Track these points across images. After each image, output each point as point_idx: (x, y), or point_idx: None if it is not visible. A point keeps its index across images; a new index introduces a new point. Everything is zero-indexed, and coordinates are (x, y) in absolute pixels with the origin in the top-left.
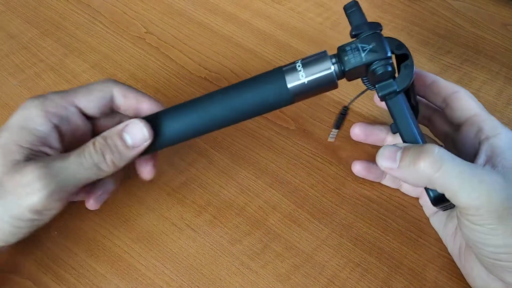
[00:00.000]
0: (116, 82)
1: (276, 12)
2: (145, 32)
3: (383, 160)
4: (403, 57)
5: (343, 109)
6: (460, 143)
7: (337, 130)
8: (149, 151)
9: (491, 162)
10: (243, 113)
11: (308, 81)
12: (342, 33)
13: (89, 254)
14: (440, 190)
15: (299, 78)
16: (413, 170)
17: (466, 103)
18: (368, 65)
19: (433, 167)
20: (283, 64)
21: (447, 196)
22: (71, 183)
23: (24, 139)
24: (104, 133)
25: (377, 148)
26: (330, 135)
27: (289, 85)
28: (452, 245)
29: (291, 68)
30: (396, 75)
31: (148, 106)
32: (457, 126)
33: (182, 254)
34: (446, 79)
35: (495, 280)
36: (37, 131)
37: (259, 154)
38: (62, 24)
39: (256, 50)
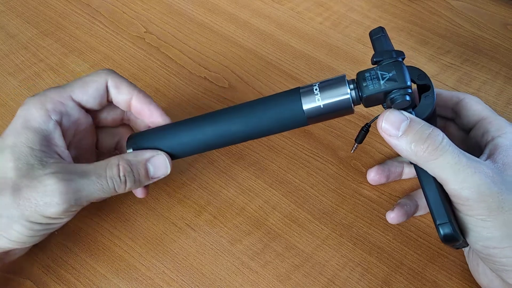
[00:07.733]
0: (110, 72)
1: (276, 12)
2: (144, 32)
3: (386, 124)
4: (425, 87)
5: (366, 126)
6: (471, 148)
7: (358, 144)
8: None
9: (492, 158)
10: (256, 131)
11: (324, 105)
12: (342, 33)
13: (89, 254)
14: (431, 174)
15: (315, 101)
16: (413, 148)
17: (472, 109)
18: (386, 93)
19: (433, 155)
20: (283, 63)
21: (439, 181)
22: (87, 199)
23: (32, 140)
24: (129, 159)
25: (379, 150)
26: (353, 148)
27: (305, 107)
28: None
29: (308, 90)
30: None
31: (138, 101)
32: (468, 132)
33: (182, 254)
34: (446, 79)
35: (497, 278)
36: (41, 130)
37: (259, 154)
38: (61, 24)
39: (256, 50)
